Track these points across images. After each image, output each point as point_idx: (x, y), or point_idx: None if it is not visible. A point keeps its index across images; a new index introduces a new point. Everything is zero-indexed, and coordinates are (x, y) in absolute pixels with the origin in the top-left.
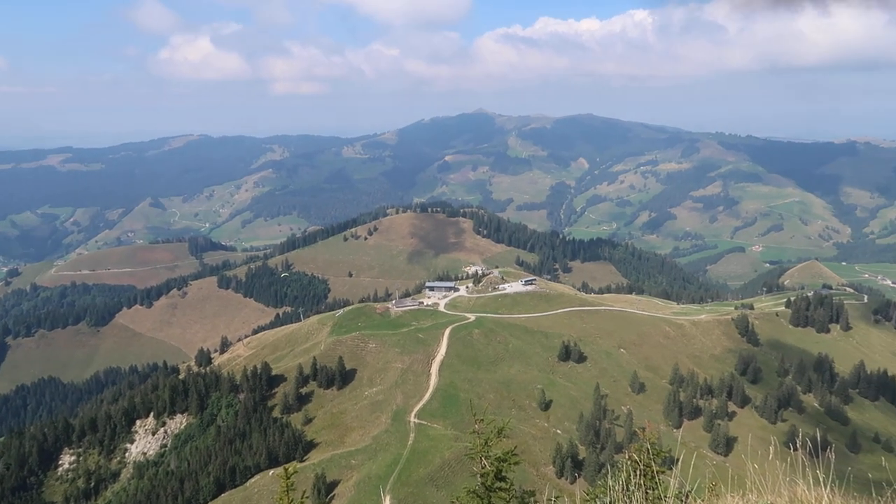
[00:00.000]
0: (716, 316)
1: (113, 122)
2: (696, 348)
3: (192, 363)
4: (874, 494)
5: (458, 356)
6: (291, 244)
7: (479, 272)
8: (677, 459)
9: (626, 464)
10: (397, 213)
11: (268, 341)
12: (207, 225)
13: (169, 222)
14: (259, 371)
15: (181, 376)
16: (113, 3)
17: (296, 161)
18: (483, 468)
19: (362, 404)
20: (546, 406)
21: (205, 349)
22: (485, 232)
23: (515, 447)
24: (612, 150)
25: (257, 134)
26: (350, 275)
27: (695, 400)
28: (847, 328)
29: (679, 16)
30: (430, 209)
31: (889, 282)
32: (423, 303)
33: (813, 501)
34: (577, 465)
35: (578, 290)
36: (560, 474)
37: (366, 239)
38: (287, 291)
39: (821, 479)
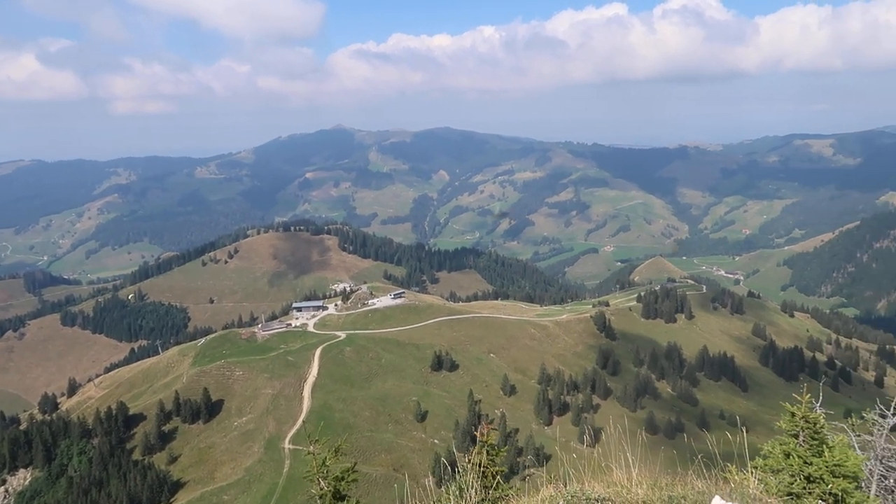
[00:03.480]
0: (576, 315)
1: None
2: (560, 347)
3: (36, 411)
4: (717, 468)
5: (330, 376)
6: (144, 273)
7: (348, 289)
8: (549, 455)
9: (467, 467)
10: (258, 233)
11: (123, 379)
12: (46, 258)
13: None
14: (114, 412)
15: (23, 426)
16: None
17: (144, 184)
18: (321, 490)
19: (232, 436)
20: (422, 417)
21: (50, 394)
22: (351, 248)
23: (355, 464)
24: (470, 161)
25: (99, 157)
26: (211, 301)
27: (562, 396)
28: (690, 317)
29: (523, 32)
30: (292, 228)
31: (722, 272)
32: (290, 324)
33: (625, 481)
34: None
35: (447, 299)
36: (440, 484)
37: (226, 262)
38: (142, 323)
39: (631, 462)
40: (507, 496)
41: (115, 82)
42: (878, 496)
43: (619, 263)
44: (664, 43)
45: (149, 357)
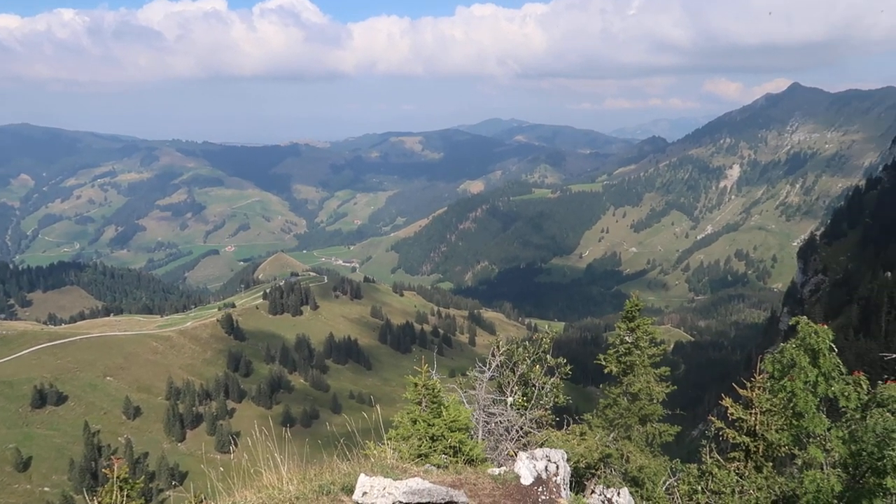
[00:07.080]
0: (202, 321)
1: None
2: (187, 357)
3: None
4: (358, 447)
5: None
6: None
7: None
8: (186, 472)
9: None
10: None
11: None
12: None
13: None
14: None
15: None
16: None
17: None
18: None
19: None
20: (25, 466)
21: None
22: None
23: None
24: (60, 163)
25: None
26: None
27: (194, 408)
28: (315, 307)
29: (111, 19)
30: None
31: (340, 261)
32: None
33: (276, 482)
34: None
35: (45, 323)
36: None
37: None
38: None
39: (280, 461)
40: None
41: None
42: (483, 439)
43: (241, 263)
44: (267, 41)
45: None
